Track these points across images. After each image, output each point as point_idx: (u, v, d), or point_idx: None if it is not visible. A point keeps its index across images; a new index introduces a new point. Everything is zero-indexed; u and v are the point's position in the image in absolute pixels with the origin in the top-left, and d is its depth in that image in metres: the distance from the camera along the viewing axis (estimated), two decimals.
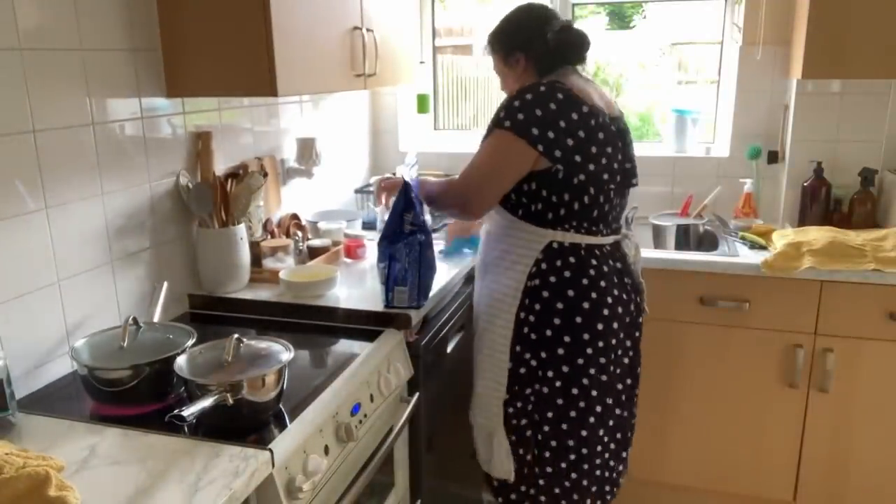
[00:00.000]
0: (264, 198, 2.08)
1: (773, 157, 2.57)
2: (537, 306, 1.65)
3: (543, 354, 1.66)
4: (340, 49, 1.90)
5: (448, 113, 3.14)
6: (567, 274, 1.63)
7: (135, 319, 1.42)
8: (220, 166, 1.94)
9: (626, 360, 1.76)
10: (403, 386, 1.71)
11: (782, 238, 2.21)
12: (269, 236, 2.08)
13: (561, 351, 1.65)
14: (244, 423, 1.24)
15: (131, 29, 1.60)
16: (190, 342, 1.37)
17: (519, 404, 1.71)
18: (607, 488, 1.81)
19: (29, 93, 1.36)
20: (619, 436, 1.78)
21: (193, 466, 1.11)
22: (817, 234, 2.18)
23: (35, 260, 1.40)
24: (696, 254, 2.27)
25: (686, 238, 2.48)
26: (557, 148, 1.56)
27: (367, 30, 2.02)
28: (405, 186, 1.68)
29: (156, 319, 1.55)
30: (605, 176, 1.63)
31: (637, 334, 1.80)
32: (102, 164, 1.56)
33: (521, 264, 1.67)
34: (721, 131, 2.74)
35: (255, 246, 1.96)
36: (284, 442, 1.21)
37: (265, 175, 1.98)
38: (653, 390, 2.31)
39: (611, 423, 1.74)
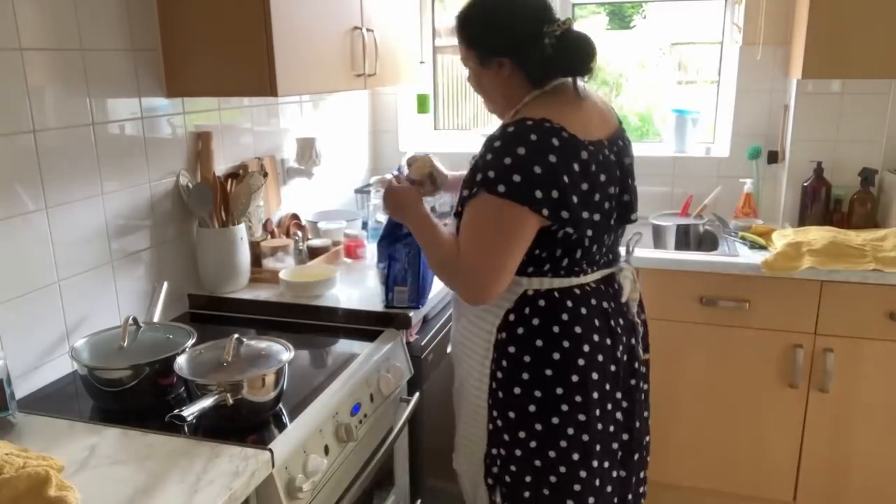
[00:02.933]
0: (264, 198, 2.09)
1: (773, 157, 2.57)
2: (504, 362, 1.41)
3: (512, 414, 1.42)
4: (340, 49, 1.90)
5: (448, 113, 3.14)
6: (536, 322, 1.39)
7: (135, 319, 1.42)
8: (220, 166, 1.94)
9: (618, 415, 1.48)
10: (403, 386, 1.71)
11: (782, 238, 2.21)
12: (269, 236, 2.08)
13: (532, 408, 1.40)
14: (244, 423, 1.24)
15: (131, 29, 1.60)
16: (190, 342, 1.37)
17: (498, 462, 1.48)
18: None
19: (29, 93, 1.36)
20: (616, 501, 1.55)
21: (193, 466, 1.11)
22: (817, 234, 2.18)
23: (35, 260, 1.40)
24: (696, 254, 2.26)
25: (686, 238, 2.48)
26: (564, 208, 1.31)
27: (367, 30, 2.02)
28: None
29: (156, 319, 1.55)
30: (606, 220, 1.41)
31: (634, 382, 1.52)
32: (102, 165, 1.56)
33: (491, 314, 1.43)
34: (721, 131, 2.73)
35: (255, 246, 1.96)
36: (284, 442, 1.21)
37: (265, 175, 1.98)
38: (653, 390, 2.29)
39: (608, 488, 1.49)
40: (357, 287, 1.90)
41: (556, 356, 1.38)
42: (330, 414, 1.37)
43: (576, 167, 1.31)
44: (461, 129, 3.17)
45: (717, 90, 2.75)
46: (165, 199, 1.77)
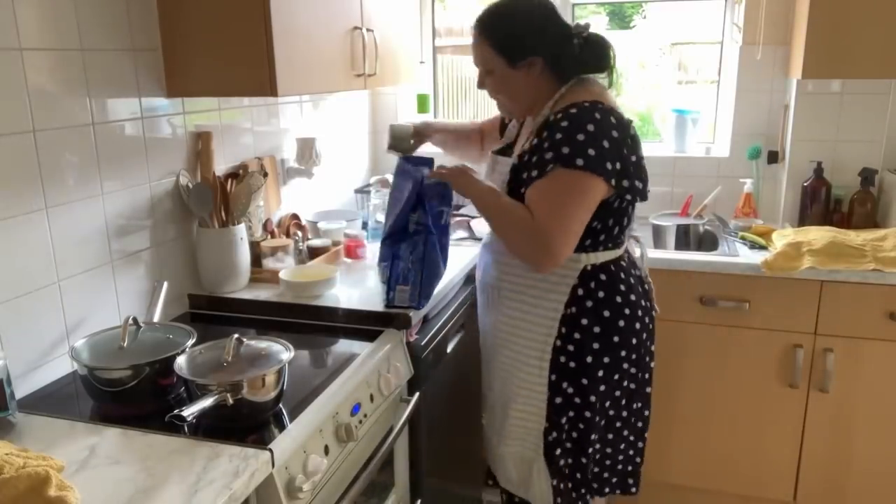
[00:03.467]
0: (264, 198, 2.08)
1: (773, 157, 2.57)
2: (576, 335, 1.59)
3: (584, 381, 1.61)
4: (340, 49, 1.90)
5: (448, 113, 3.14)
6: (601, 294, 1.58)
7: (135, 319, 1.42)
8: (220, 166, 1.94)
9: (652, 364, 1.75)
10: (403, 386, 1.71)
11: (782, 238, 2.21)
12: (269, 236, 2.08)
13: (601, 373, 1.61)
14: (244, 423, 1.24)
15: (131, 29, 1.60)
16: (190, 342, 1.37)
17: (562, 434, 1.66)
18: (630, 481, 1.83)
19: (29, 93, 1.36)
20: (645, 434, 1.81)
21: (193, 466, 1.11)
22: (817, 234, 2.18)
23: (35, 260, 1.40)
24: (696, 254, 2.26)
25: (686, 238, 2.48)
26: (626, 178, 1.50)
27: (368, 30, 2.02)
28: (420, 185, 1.64)
29: (156, 319, 1.55)
30: (646, 187, 1.58)
31: (653, 337, 1.77)
32: (102, 165, 1.56)
33: (556, 293, 1.59)
34: (721, 131, 2.74)
35: (255, 246, 1.96)
36: (284, 442, 1.21)
37: (265, 175, 1.98)
38: (653, 390, 2.30)
39: (639, 424, 1.76)
40: (357, 287, 1.90)
41: (622, 323, 1.59)
42: (330, 414, 1.37)
43: (629, 141, 1.51)
44: None
45: (717, 90, 2.75)
46: (165, 199, 1.77)
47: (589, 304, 1.58)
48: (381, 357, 1.60)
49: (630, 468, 1.81)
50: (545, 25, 1.56)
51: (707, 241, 2.47)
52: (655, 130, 2.97)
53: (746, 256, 2.19)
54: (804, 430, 2.24)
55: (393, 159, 2.12)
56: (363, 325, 1.72)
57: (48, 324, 1.44)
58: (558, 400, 1.63)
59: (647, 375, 1.73)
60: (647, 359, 1.71)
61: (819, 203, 2.43)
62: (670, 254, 2.28)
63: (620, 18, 3.05)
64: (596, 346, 1.59)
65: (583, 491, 1.72)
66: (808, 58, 2.18)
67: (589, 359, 1.59)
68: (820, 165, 2.41)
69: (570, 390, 1.62)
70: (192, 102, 1.83)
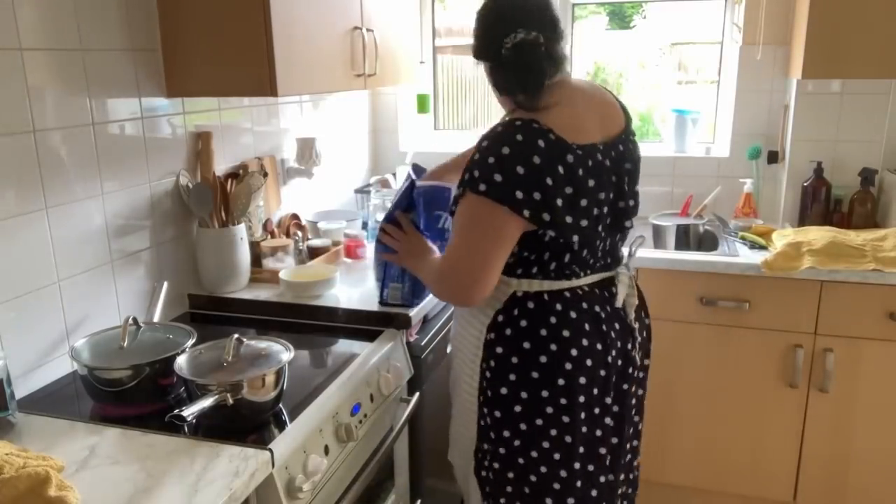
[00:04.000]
0: (264, 198, 2.09)
1: (773, 157, 2.57)
2: (492, 362, 1.43)
3: (498, 413, 1.43)
4: (340, 49, 1.90)
5: (448, 113, 3.14)
6: (523, 324, 1.39)
7: (135, 319, 1.42)
8: (220, 166, 1.94)
9: (607, 420, 1.46)
10: (403, 386, 1.71)
11: (782, 238, 2.21)
12: (269, 236, 2.08)
13: (518, 408, 1.41)
14: (244, 423, 1.24)
15: (131, 29, 1.60)
16: (190, 342, 1.37)
17: (488, 457, 1.50)
18: None
19: (29, 93, 1.36)
20: None
21: (193, 466, 1.11)
22: (817, 234, 2.18)
23: (35, 260, 1.40)
24: (696, 254, 2.26)
25: (686, 238, 2.48)
26: (546, 210, 1.29)
27: (368, 30, 2.02)
28: (410, 186, 1.63)
29: (156, 319, 1.55)
30: (595, 226, 1.39)
31: (627, 387, 1.49)
32: (102, 165, 1.56)
33: (483, 314, 1.45)
34: (721, 131, 2.74)
35: (255, 246, 1.96)
36: (284, 442, 1.21)
37: (265, 175, 1.98)
38: (653, 390, 2.30)
39: (593, 492, 1.48)
40: (357, 287, 1.90)
41: (543, 359, 1.38)
42: (330, 414, 1.37)
43: (560, 170, 1.29)
44: (461, 128, 3.17)
45: (717, 90, 2.75)
46: (165, 199, 1.77)
47: (508, 332, 1.40)
48: (381, 357, 1.60)
49: None
50: (485, 29, 1.41)
51: (707, 241, 2.47)
52: (655, 130, 2.97)
53: (746, 256, 2.19)
54: (804, 429, 2.24)
55: (392, 159, 2.14)
56: (363, 325, 1.72)
57: (48, 324, 1.44)
58: (484, 423, 1.49)
59: (598, 432, 1.45)
60: (597, 411, 1.43)
61: (819, 203, 2.43)
62: (670, 254, 2.27)
63: (620, 18, 3.05)
64: (512, 377, 1.40)
65: None
66: (808, 58, 2.18)
67: (503, 390, 1.42)
68: (820, 165, 2.41)
69: (487, 420, 1.46)
70: (192, 102, 1.83)
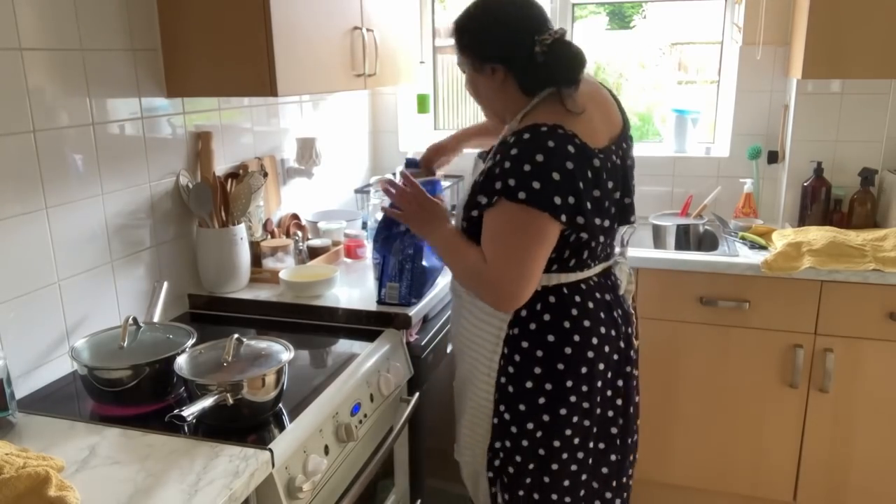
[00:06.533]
0: (264, 198, 2.09)
1: (773, 157, 2.57)
2: (517, 357, 1.45)
3: (522, 407, 1.46)
4: (340, 49, 1.90)
5: (448, 113, 3.14)
6: (547, 318, 1.43)
7: (135, 319, 1.42)
8: (220, 166, 1.94)
9: (618, 401, 1.54)
10: (403, 386, 1.71)
11: (782, 238, 2.21)
12: (269, 236, 2.08)
13: (542, 400, 1.45)
14: (244, 423, 1.24)
15: (131, 29, 1.60)
16: (190, 342, 1.37)
17: (502, 454, 1.52)
18: None
19: (29, 93, 1.36)
20: (614, 483, 1.60)
21: (193, 466, 1.11)
22: (817, 234, 2.18)
23: (35, 260, 1.41)
24: (696, 254, 2.26)
25: (686, 238, 2.48)
26: (580, 214, 1.34)
27: (368, 30, 2.02)
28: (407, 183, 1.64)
29: (156, 319, 1.55)
30: (612, 223, 1.46)
31: (629, 369, 1.57)
32: (102, 165, 1.56)
33: (501, 311, 1.46)
34: (721, 131, 2.73)
35: (255, 246, 1.96)
36: (284, 442, 1.21)
37: (265, 175, 1.98)
38: (653, 390, 2.31)
39: (604, 469, 1.56)
40: (357, 287, 1.90)
41: (568, 350, 1.43)
42: (330, 414, 1.37)
43: (589, 174, 1.34)
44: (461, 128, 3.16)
45: (717, 90, 2.75)
46: (165, 199, 1.77)
47: (532, 326, 1.44)
48: (381, 357, 1.60)
49: None
50: (505, 31, 1.40)
51: (707, 241, 2.47)
52: (655, 130, 2.97)
53: (746, 256, 2.19)
54: (804, 429, 2.24)
55: (392, 159, 2.14)
56: (363, 325, 1.72)
57: (48, 324, 1.44)
58: (495, 420, 1.51)
59: (610, 413, 1.53)
60: (609, 393, 1.52)
61: (819, 203, 2.43)
62: (670, 254, 2.27)
63: (620, 18, 3.04)
64: (538, 370, 1.44)
65: None
66: (808, 58, 2.18)
67: (529, 384, 1.45)
68: (820, 165, 2.41)
69: (507, 416, 1.48)
70: (192, 102, 1.83)
